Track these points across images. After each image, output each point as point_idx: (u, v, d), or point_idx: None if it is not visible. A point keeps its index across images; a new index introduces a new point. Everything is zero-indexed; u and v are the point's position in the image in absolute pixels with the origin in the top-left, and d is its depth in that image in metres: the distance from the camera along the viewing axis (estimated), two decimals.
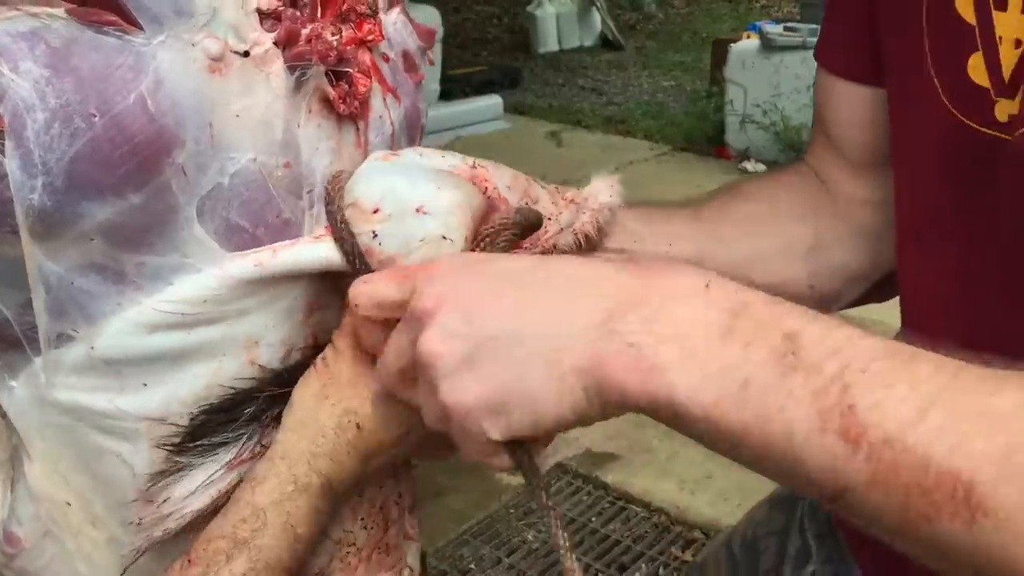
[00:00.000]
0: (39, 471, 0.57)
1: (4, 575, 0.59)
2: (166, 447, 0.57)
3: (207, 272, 0.54)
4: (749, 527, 1.00)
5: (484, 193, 0.60)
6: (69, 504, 0.58)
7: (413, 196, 0.56)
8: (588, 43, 7.35)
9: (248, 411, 0.59)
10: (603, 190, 0.69)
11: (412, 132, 0.68)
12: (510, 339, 0.48)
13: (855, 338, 0.45)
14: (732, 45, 4.81)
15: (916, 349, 0.44)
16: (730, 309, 0.46)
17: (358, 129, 0.61)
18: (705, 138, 4.98)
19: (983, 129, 0.63)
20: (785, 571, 0.93)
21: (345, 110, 0.59)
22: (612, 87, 6.36)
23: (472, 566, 2.24)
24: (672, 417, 0.46)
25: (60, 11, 0.48)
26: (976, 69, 0.63)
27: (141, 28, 0.49)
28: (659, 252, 0.74)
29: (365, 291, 0.53)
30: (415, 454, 0.64)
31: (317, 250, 0.57)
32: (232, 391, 0.57)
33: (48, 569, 0.59)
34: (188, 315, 0.54)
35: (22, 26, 0.47)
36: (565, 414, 0.48)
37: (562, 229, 0.65)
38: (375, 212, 0.56)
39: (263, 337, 0.57)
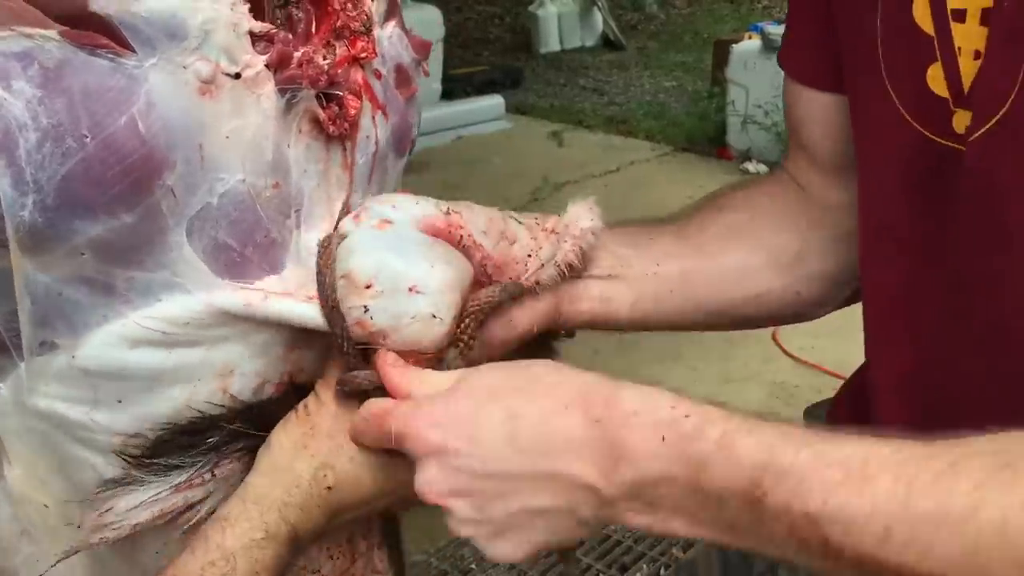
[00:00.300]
0: (18, 474, 0.58)
1: None
2: (124, 457, 0.57)
3: (196, 295, 0.55)
4: None
5: (459, 242, 0.61)
6: (47, 506, 0.59)
7: (407, 275, 0.57)
8: (590, 43, 7.34)
9: (211, 440, 0.59)
10: (583, 215, 0.69)
11: (400, 147, 0.69)
12: (527, 519, 0.55)
13: (811, 471, 0.49)
14: (734, 46, 4.81)
15: (872, 459, 0.49)
16: (692, 468, 0.52)
17: (345, 149, 0.62)
18: (707, 138, 4.98)
19: (939, 140, 0.64)
20: (780, 571, 0.94)
21: (335, 131, 0.60)
22: (614, 87, 6.35)
23: (473, 566, 2.25)
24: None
25: (53, 32, 0.49)
26: (935, 79, 0.64)
27: (133, 51, 0.50)
28: (647, 272, 0.75)
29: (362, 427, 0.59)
30: (385, 511, 0.66)
31: (307, 311, 0.58)
32: (200, 416, 0.57)
33: (25, 567, 0.60)
34: (169, 335, 0.55)
35: (15, 46, 0.48)
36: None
37: (543, 264, 0.66)
38: (368, 287, 0.57)
39: (239, 366, 0.58)
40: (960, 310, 0.66)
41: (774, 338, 3.14)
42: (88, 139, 0.48)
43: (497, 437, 0.54)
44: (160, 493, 0.58)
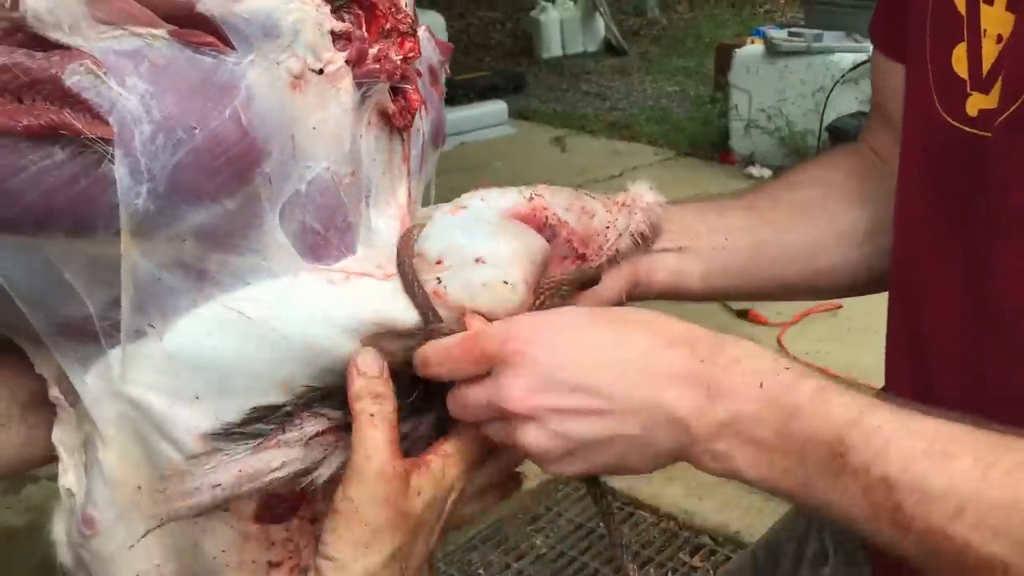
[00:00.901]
0: (113, 458, 0.61)
1: (80, 555, 0.63)
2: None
3: (282, 278, 0.59)
4: (772, 534, 1.04)
5: (545, 222, 0.65)
6: (140, 488, 0.63)
7: (473, 249, 0.61)
8: (592, 48, 7.40)
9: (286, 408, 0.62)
10: (646, 191, 0.74)
11: (436, 140, 0.73)
12: (606, 443, 0.57)
13: (896, 437, 0.52)
14: (736, 50, 4.86)
15: (954, 438, 0.51)
16: (784, 414, 0.54)
17: (403, 141, 0.66)
18: (709, 143, 5.03)
19: (950, 120, 0.67)
20: (802, 574, 0.97)
21: (400, 123, 0.64)
22: (616, 92, 6.41)
23: (481, 571, 2.28)
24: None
25: (163, 31, 0.52)
26: (959, 60, 0.67)
27: (234, 48, 0.54)
28: (716, 245, 0.79)
29: (435, 352, 0.60)
30: None
31: (383, 288, 0.62)
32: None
33: (121, 552, 0.63)
34: (251, 319, 0.59)
35: (127, 45, 0.52)
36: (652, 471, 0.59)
37: (620, 234, 0.70)
38: (438, 263, 0.61)
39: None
40: (980, 293, 0.70)
41: (779, 341, 3.17)
42: (196, 130, 0.52)
43: (601, 357, 0.57)
44: (237, 454, 0.61)
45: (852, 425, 0.53)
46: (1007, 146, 0.63)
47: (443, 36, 5.19)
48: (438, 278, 0.61)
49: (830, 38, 4.48)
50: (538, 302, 0.63)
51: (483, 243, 0.62)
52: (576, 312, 0.61)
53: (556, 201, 0.68)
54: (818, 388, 0.55)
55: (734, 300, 0.84)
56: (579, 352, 0.57)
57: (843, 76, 4.20)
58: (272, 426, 0.62)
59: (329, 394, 0.62)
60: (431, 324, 0.61)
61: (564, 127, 5.52)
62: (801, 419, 0.54)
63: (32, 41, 0.51)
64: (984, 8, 0.65)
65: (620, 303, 0.74)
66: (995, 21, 0.64)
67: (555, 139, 5.26)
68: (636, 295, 0.77)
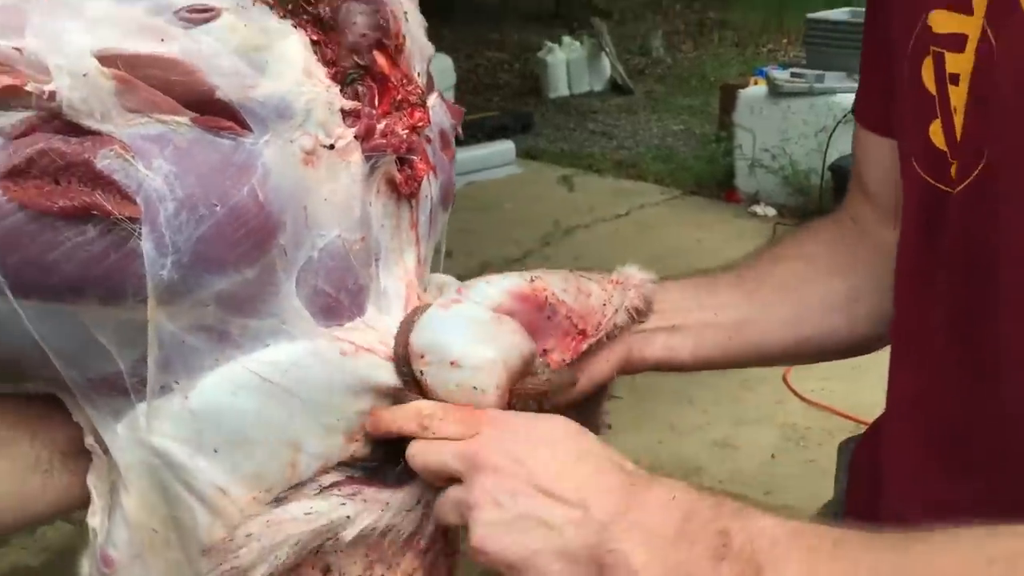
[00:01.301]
0: (134, 502, 0.65)
1: None
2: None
3: (298, 342, 0.64)
4: None
5: (545, 301, 0.69)
6: (155, 531, 0.67)
7: (450, 351, 0.66)
8: (598, 88, 7.49)
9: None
10: (635, 271, 0.79)
11: (446, 202, 0.77)
12: (536, 542, 0.61)
13: (776, 538, 0.57)
14: (740, 91, 4.93)
15: (834, 543, 0.56)
16: (683, 515, 0.59)
17: (411, 207, 0.71)
18: (715, 182, 5.08)
19: (939, 185, 0.72)
20: None
21: (407, 191, 0.69)
22: (622, 131, 6.48)
23: None
24: None
25: (185, 118, 0.57)
26: (936, 134, 0.71)
27: (250, 129, 0.59)
28: (705, 322, 0.84)
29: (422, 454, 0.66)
30: None
31: (387, 366, 0.67)
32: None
33: None
34: (269, 381, 0.63)
35: (153, 130, 0.57)
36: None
37: (616, 310, 0.74)
38: (422, 357, 0.66)
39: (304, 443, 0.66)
40: (960, 339, 0.74)
41: (785, 380, 3.20)
42: (217, 207, 0.57)
43: (549, 469, 0.62)
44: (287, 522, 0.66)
45: (741, 521, 0.58)
46: (970, 207, 0.68)
47: (451, 78, 5.28)
48: (421, 371, 0.66)
49: (832, 79, 4.55)
50: (512, 403, 0.67)
51: (460, 346, 0.66)
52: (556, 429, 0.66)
53: (554, 282, 0.72)
54: (718, 497, 0.61)
55: (722, 368, 0.89)
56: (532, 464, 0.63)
57: (844, 116, 4.26)
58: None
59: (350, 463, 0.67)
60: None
61: (571, 166, 5.59)
62: (697, 517, 0.59)
63: (67, 128, 0.55)
64: (951, 87, 0.70)
65: (613, 378, 0.79)
66: (960, 98, 0.69)
67: (562, 178, 5.33)
68: (629, 370, 0.82)
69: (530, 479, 0.62)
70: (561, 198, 5.02)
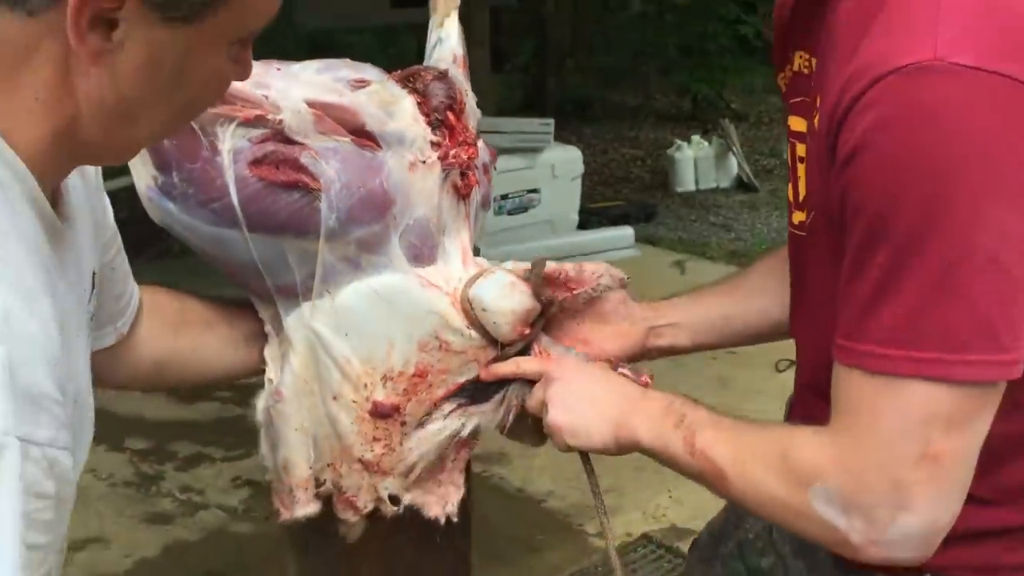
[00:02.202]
0: (298, 361, 1.12)
1: (270, 413, 1.13)
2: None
3: (396, 273, 1.10)
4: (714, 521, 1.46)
5: (554, 270, 1.16)
6: (307, 381, 1.13)
7: (484, 302, 1.11)
8: (724, 184, 7.85)
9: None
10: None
11: (485, 206, 1.22)
12: (584, 421, 1.10)
13: (702, 416, 1.03)
14: None
15: (723, 419, 1.03)
16: (662, 409, 1.06)
17: (465, 203, 1.16)
18: None
19: (793, 230, 1.10)
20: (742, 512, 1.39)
21: (464, 192, 1.15)
22: (741, 224, 6.83)
23: None
24: (645, 453, 1.07)
25: (347, 139, 1.05)
26: (791, 188, 1.09)
27: (381, 147, 1.06)
28: (699, 319, 1.29)
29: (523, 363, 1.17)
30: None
31: (445, 299, 1.11)
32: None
33: (293, 415, 1.13)
34: (379, 294, 1.10)
35: (330, 144, 1.05)
36: (603, 447, 1.10)
37: (602, 274, 1.19)
38: (471, 304, 1.11)
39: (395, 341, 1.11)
40: (809, 339, 1.13)
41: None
42: (361, 189, 1.05)
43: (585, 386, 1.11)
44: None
45: (689, 407, 1.04)
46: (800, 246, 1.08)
47: (578, 168, 5.77)
48: (469, 311, 1.12)
49: None
50: (525, 334, 1.15)
51: (489, 299, 1.11)
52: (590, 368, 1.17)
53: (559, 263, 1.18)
54: (684, 399, 1.06)
55: (716, 348, 1.35)
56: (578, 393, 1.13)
57: None
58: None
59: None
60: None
61: (686, 252, 5.96)
62: (670, 409, 1.05)
63: (285, 139, 1.04)
64: (797, 145, 1.09)
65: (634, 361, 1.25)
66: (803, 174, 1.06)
67: (676, 263, 5.72)
68: (645, 356, 1.27)
69: (577, 388, 1.11)
70: (672, 279, 5.39)
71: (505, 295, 1.12)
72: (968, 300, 0.84)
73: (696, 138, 7.92)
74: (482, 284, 1.12)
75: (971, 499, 0.93)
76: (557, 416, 1.11)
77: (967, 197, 0.82)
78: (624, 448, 1.09)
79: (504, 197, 5.36)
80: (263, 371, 1.17)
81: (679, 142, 7.79)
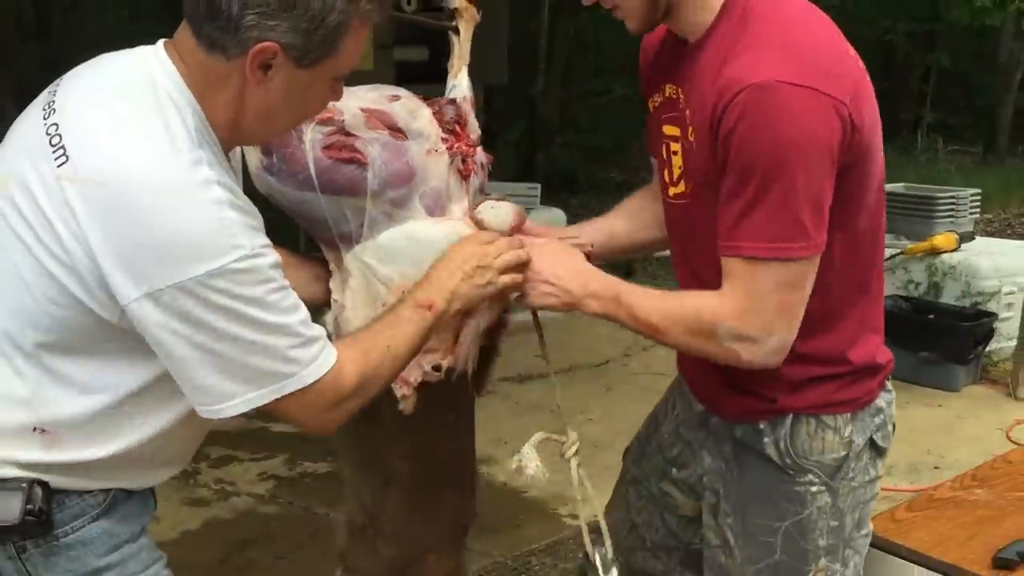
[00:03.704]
0: (355, 283, 1.66)
1: (337, 320, 1.67)
2: None
3: (420, 222, 1.65)
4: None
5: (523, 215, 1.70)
6: (360, 296, 1.67)
7: (481, 212, 1.67)
8: None
9: None
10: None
11: (483, 190, 1.77)
12: (554, 280, 1.61)
13: (636, 290, 1.58)
14: None
15: (650, 290, 1.59)
16: (607, 288, 1.58)
17: (467, 182, 1.72)
18: None
19: (670, 200, 1.67)
20: (659, 419, 1.92)
21: (465, 173, 1.71)
22: None
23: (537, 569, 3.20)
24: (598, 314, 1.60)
25: (385, 132, 1.62)
26: (667, 176, 1.65)
27: (407, 138, 1.63)
28: (599, 234, 1.84)
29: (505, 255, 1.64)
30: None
31: (460, 223, 1.67)
32: None
33: (350, 322, 1.67)
34: (410, 236, 1.65)
35: (374, 136, 1.61)
36: (558, 306, 1.62)
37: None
38: (480, 215, 1.67)
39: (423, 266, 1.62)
40: (690, 276, 1.69)
41: None
42: (394, 164, 1.61)
43: (556, 269, 1.61)
44: None
45: (625, 288, 1.57)
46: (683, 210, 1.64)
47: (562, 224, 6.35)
48: (481, 219, 1.66)
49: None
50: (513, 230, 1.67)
51: (486, 212, 1.67)
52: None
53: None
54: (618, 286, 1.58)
55: (611, 257, 1.88)
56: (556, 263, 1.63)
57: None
58: None
59: None
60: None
61: None
62: (613, 288, 1.57)
63: (346, 133, 1.61)
64: (671, 143, 1.65)
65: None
66: (678, 165, 1.61)
67: None
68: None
69: (549, 273, 1.60)
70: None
71: (494, 208, 1.68)
72: (795, 214, 1.42)
73: None
74: (480, 208, 1.68)
75: (807, 358, 1.53)
76: (539, 263, 1.59)
77: (793, 160, 1.40)
78: (580, 307, 1.58)
79: None
80: (320, 306, 1.71)
81: None
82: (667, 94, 1.63)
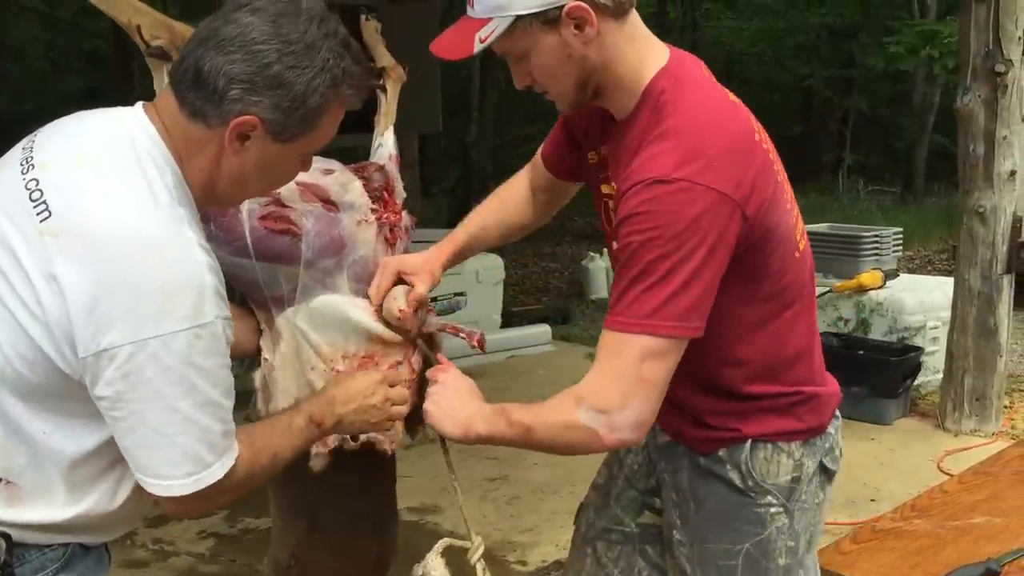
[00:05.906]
0: (284, 346, 1.75)
1: (265, 379, 1.75)
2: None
3: (342, 295, 1.74)
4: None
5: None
6: (289, 359, 1.75)
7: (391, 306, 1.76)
8: None
9: None
10: None
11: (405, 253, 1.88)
12: (445, 415, 1.67)
13: (519, 406, 1.58)
14: None
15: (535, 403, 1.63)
16: (494, 411, 1.63)
17: (392, 249, 1.82)
18: None
19: (612, 252, 1.78)
20: (620, 456, 1.98)
21: (391, 241, 1.81)
22: None
23: None
24: (484, 441, 1.60)
25: (318, 204, 1.71)
26: (603, 217, 1.77)
27: (339, 210, 1.72)
28: (474, 229, 1.92)
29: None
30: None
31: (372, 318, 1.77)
32: None
33: (281, 381, 1.75)
34: (334, 306, 1.74)
35: (308, 207, 1.71)
36: (455, 436, 1.65)
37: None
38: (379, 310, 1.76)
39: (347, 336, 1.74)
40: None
41: None
42: (326, 235, 1.70)
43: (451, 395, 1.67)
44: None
45: (519, 410, 1.58)
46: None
47: (499, 274, 6.43)
48: (385, 319, 1.75)
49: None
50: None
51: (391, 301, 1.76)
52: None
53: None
54: (502, 407, 1.62)
55: (493, 245, 2.01)
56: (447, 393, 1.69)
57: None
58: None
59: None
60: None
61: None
62: (502, 413, 1.59)
63: (280, 203, 1.69)
64: (609, 201, 1.75)
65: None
66: (611, 217, 1.75)
67: (588, 355, 6.38)
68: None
69: (450, 392, 1.68)
70: (585, 368, 6.01)
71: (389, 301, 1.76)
72: (675, 297, 1.48)
73: (607, 251, 8.69)
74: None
75: (770, 396, 1.62)
76: (428, 405, 1.66)
77: (673, 249, 1.47)
78: (470, 440, 1.59)
79: (434, 299, 5.96)
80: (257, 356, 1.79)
81: (592, 254, 8.56)
82: (601, 155, 1.73)
